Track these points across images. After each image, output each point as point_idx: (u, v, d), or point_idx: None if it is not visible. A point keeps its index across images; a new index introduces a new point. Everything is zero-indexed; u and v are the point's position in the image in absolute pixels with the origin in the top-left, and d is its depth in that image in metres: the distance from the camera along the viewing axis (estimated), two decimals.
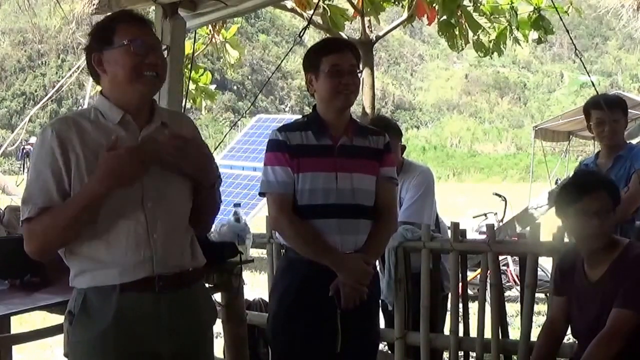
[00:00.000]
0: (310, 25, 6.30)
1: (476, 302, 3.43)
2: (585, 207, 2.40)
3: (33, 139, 16.45)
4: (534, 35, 8.23)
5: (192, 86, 9.17)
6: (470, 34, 8.07)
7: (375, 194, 2.52)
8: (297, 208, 2.46)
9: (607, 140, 3.53)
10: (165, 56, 1.99)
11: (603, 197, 2.42)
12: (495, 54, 8.56)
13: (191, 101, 9.63)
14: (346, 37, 8.76)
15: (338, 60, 2.46)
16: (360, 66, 2.62)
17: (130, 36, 1.89)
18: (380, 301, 2.84)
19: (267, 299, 3.99)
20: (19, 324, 3.94)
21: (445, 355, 3.61)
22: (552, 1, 5.93)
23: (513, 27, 8.13)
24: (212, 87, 10.08)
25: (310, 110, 2.60)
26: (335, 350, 2.44)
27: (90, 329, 1.88)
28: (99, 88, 2.02)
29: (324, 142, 2.49)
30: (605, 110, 3.43)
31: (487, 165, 34.18)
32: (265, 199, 2.57)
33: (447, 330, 3.41)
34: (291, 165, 2.45)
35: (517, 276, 5.18)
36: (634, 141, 5.47)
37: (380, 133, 2.61)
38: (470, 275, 5.40)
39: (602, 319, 2.38)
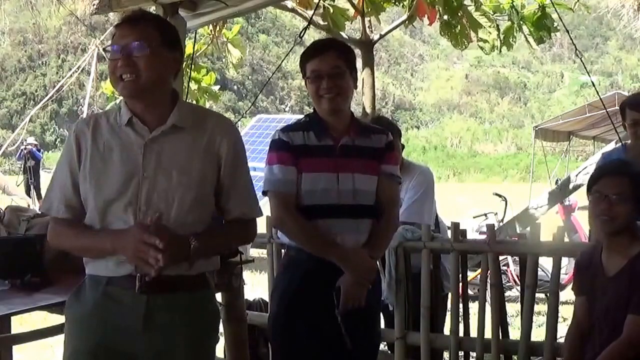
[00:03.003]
0: (311, 25, 6.29)
1: (476, 302, 3.43)
2: (600, 189, 2.40)
3: (32, 139, 16.52)
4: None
5: (194, 86, 9.15)
6: (472, 33, 8.07)
7: (377, 192, 2.52)
8: (299, 208, 2.46)
9: None
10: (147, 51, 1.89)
11: (620, 183, 2.39)
12: (498, 51, 8.56)
13: (194, 102, 9.62)
14: (346, 37, 8.77)
15: (317, 66, 2.46)
16: (360, 65, 2.61)
17: (112, 42, 1.93)
18: (381, 301, 2.84)
19: (267, 299, 3.99)
20: (19, 324, 3.95)
21: (446, 355, 3.61)
22: (552, 1, 5.93)
23: (519, 24, 8.11)
24: (216, 87, 10.07)
25: (311, 110, 2.61)
26: (335, 349, 2.44)
27: (74, 312, 1.97)
28: (106, 88, 2.08)
29: (325, 142, 2.48)
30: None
31: (488, 166, 34.18)
32: (264, 200, 2.57)
33: (447, 330, 3.41)
34: (295, 165, 2.45)
35: (517, 276, 5.18)
36: None
37: (382, 132, 2.60)
38: (471, 275, 5.40)
39: (610, 311, 2.36)
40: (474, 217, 7.76)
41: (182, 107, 2.00)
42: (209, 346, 2.06)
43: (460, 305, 3.34)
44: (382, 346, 3.56)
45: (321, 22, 8.12)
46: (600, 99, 6.41)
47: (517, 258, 4.19)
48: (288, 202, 2.45)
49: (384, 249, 2.66)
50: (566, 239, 2.96)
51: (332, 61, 2.46)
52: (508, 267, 6.48)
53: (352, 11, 8.44)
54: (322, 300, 2.42)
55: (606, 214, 2.38)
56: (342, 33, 8.38)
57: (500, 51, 8.63)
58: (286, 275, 2.55)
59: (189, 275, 1.94)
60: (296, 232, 2.48)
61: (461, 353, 3.37)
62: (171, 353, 1.94)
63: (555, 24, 8.17)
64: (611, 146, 8.41)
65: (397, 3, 8.44)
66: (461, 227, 3.31)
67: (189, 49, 5.38)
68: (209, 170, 1.97)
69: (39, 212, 3.02)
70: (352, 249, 2.43)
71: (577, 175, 7.31)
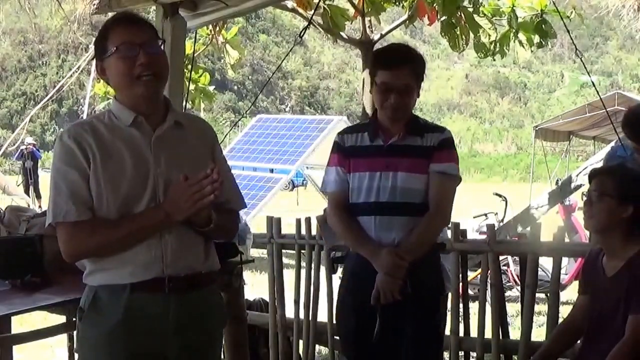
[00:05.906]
0: (311, 26, 6.30)
1: (476, 302, 3.43)
2: (589, 189, 2.44)
3: (30, 139, 16.51)
4: (536, 38, 8.21)
5: (191, 87, 9.14)
6: (471, 35, 8.06)
7: (427, 190, 2.53)
8: (348, 206, 2.58)
9: None
10: (162, 49, 1.97)
11: (604, 181, 2.41)
12: (492, 57, 8.57)
13: (190, 102, 9.62)
14: (347, 37, 8.77)
15: (388, 79, 2.47)
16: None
17: (119, 40, 1.89)
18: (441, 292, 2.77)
19: (267, 298, 3.99)
20: (19, 324, 3.94)
21: (446, 355, 3.61)
22: (555, 5, 5.94)
23: (515, 30, 8.12)
24: (211, 88, 10.07)
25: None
26: (372, 340, 2.48)
27: (99, 326, 1.89)
28: (99, 89, 2.03)
29: (376, 142, 2.55)
30: None
31: (488, 166, 34.23)
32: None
33: (447, 330, 3.41)
34: (345, 165, 2.58)
35: (517, 276, 5.18)
36: None
37: (438, 130, 2.60)
38: (471, 275, 5.40)
39: (607, 312, 2.36)
40: (474, 217, 7.76)
41: (173, 106, 2.05)
42: (221, 339, 2.19)
43: (461, 305, 3.34)
44: None
45: (321, 22, 8.12)
46: (601, 99, 6.42)
47: (517, 258, 4.19)
48: (336, 201, 2.61)
49: (418, 247, 2.51)
50: (566, 239, 2.96)
51: (404, 78, 2.47)
52: (508, 267, 6.48)
53: (352, 11, 8.44)
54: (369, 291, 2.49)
55: (586, 212, 2.42)
56: (342, 33, 8.39)
57: (494, 58, 8.64)
58: (350, 261, 2.67)
59: (210, 272, 2.01)
60: (338, 229, 2.63)
61: (461, 353, 3.37)
62: (198, 349, 1.97)
63: (553, 30, 8.18)
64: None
65: (397, 3, 8.45)
66: (461, 227, 3.31)
67: (188, 49, 5.35)
68: (209, 162, 1.99)
69: (39, 212, 3.02)
70: (382, 247, 2.47)
71: (577, 175, 7.32)
